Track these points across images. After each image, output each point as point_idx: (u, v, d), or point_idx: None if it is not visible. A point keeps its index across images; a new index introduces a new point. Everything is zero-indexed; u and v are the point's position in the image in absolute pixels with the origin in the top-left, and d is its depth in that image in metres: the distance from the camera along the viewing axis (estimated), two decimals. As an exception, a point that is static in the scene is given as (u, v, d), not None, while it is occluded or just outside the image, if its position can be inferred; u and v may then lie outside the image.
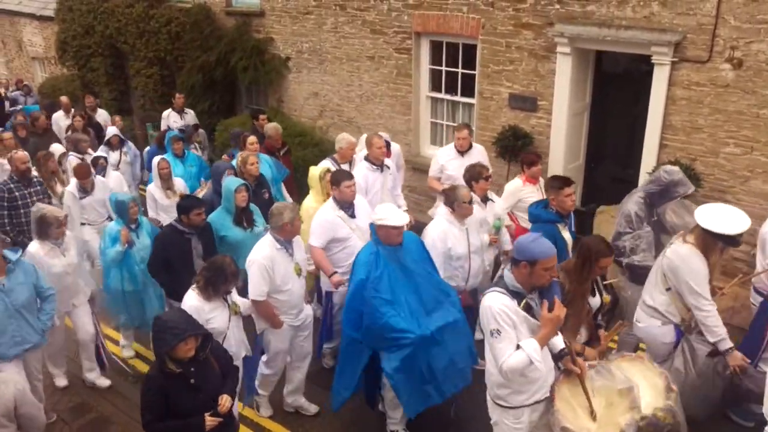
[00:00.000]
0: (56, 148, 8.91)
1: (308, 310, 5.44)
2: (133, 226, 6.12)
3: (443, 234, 5.49)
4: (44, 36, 17.80)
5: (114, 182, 7.92)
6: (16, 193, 7.09)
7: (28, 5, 17.91)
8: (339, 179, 5.61)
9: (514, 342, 3.55)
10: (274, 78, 11.32)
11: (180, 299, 5.35)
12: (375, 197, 6.63)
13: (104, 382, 6.17)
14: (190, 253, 5.62)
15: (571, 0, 7.52)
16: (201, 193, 7.96)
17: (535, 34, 7.95)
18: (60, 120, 11.16)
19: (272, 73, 11.26)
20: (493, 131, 8.53)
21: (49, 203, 7.34)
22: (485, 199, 6.10)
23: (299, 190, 8.17)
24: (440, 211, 5.68)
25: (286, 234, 5.02)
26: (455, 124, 9.28)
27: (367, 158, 6.88)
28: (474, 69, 8.78)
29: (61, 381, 6.14)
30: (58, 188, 7.80)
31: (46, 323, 5.13)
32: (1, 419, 3.63)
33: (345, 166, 6.81)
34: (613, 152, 8.33)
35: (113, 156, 9.11)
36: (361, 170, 6.77)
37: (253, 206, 6.21)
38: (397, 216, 4.79)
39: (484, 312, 3.65)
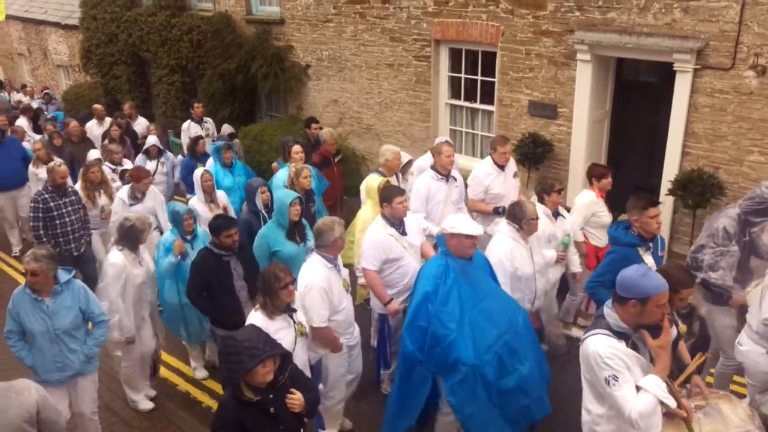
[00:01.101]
0: (93, 154, 8.74)
1: (357, 328, 5.18)
2: (188, 237, 5.90)
3: (510, 253, 5.11)
4: (69, 44, 18.14)
5: None
6: (51, 204, 6.98)
7: (54, 14, 18.27)
8: (390, 195, 5.31)
9: (633, 385, 3.20)
10: (294, 85, 11.40)
11: (224, 326, 5.24)
12: (435, 209, 6.29)
13: (150, 392, 5.99)
14: (230, 276, 5.38)
15: (592, 7, 7.47)
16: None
17: (554, 42, 7.91)
18: (93, 128, 10.95)
19: (292, 81, 11.34)
20: (513, 139, 8.46)
21: (85, 214, 7.31)
22: (556, 214, 5.79)
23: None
24: (503, 228, 5.28)
25: (336, 250, 4.83)
26: (475, 131, 9.34)
27: (434, 167, 6.48)
28: (493, 76, 8.76)
29: (146, 404, 5.87)
30: (101, 200, 7.61)
31: (93, 349, 4.87)
32: (24, 425, 3.61)
33: (392, 179, 6.54)
34: (634, 160, 8.24)
35: (150, 165, 8.93)
36: (425, 179, 6.43)
37: (303, 220, 5.95)
38: (470, 225, 4.49)
39: (591, 358, 3.25)
